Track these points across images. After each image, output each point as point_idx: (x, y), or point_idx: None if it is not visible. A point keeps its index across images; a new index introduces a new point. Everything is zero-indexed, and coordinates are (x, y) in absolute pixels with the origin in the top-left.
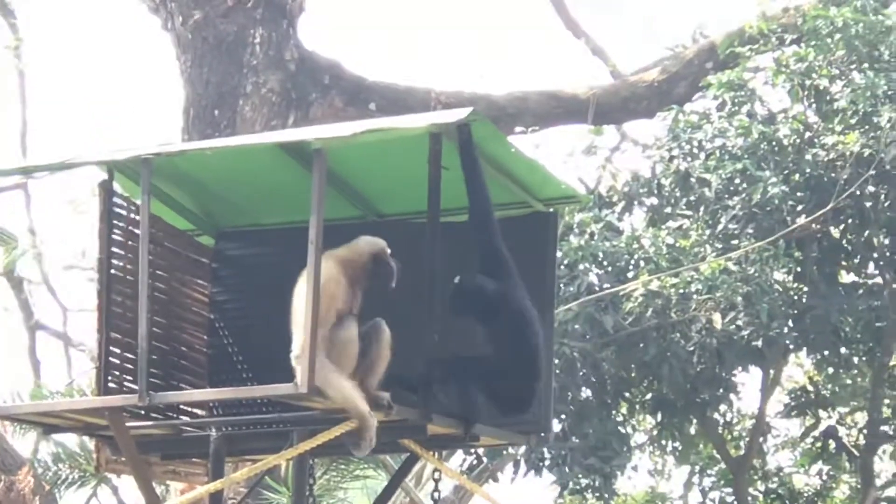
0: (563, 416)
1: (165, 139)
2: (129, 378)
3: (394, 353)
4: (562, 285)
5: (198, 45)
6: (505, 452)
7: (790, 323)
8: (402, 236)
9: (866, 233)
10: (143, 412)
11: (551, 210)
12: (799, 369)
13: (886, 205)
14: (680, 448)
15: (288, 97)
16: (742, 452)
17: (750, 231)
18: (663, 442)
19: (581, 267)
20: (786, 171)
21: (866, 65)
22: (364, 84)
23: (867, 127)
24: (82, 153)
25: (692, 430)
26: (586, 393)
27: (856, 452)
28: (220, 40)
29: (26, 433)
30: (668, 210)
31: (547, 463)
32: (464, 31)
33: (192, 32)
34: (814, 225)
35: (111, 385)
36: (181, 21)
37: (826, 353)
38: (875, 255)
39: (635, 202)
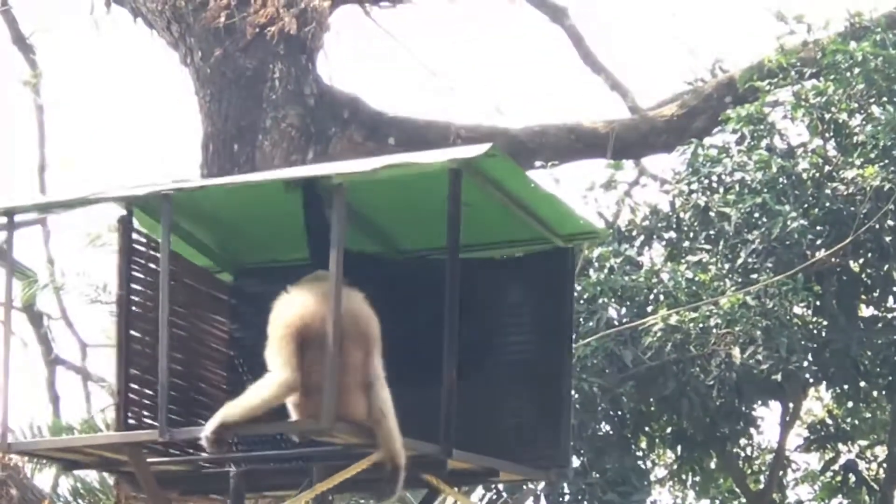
0: (582, 451)
1: (184, 174)
2: (148, 414)
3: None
4: (581, 320)
5: (217, 79)
6: (525, 487)
7: (809, 357)
8: (421, 272)
9: (886, 266)
10: (162, 448)
11: (570, 245)
12: (818, 403)
13: None
14: (700, 482)
15: (307, 132)
16: (762, 486)
17: (769, 265)
18: (683, 476)
19: (600, 301)
20: (805, 205)
21: (885, 99)
22: (383, 118)
23: (887, 161)
24: (101, 189)
25: (712, 465)
26: (606, 428)
27: (875, 486)
28: (240, 75)
29: (46, 468)
30: (688, 244)
31: (566, 498)
32: (483, 65)
33: (211, 67)
34: (833, 259)
35: (131, 421)
36: (200, 56)
37: (846, 386)
38: (895, 288)
39: (654, 236)
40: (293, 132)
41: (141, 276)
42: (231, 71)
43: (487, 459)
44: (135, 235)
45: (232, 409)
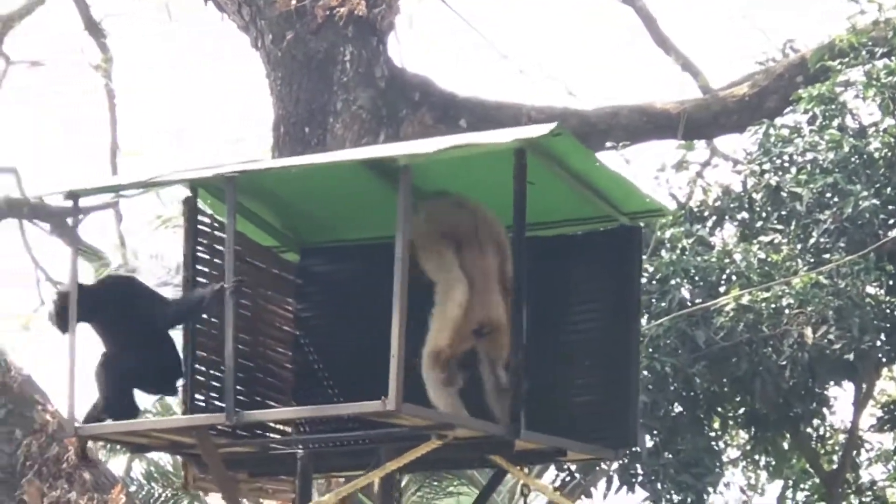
0: (655, 432)
1: (256, 156)
2: (215, 396)
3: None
4: (653, 300)
5: (288, 62)
6: (598, 468)
7: (882, 336)
8: None
9: None
10: (230, 430)
11: (636, 224)
12: (892, 383)
13: None
14: (773, 463)
15: (378, 114)
16: (835, 467)
17: (841, 245)
18: (756, 457)
19: (672, 282)
20: (877, 185)
21: None
22: (454, 100)
23: None
24: (169, 171)
25: (785, 445)
26: (678, 408)
27: None
28: (310, 58)
29: (118, 453)
30: (760, 224)
31: (640, 479)
32: (555, 47)
33: (282, 51)
34: None
35: (198, 403)
36: (271, 39)
37: None
38: None
39: (726, 217)
40: (364, 115)
41: (207, 257)
42: (302, 54)
43: (555, 439)
44: (200, 217)
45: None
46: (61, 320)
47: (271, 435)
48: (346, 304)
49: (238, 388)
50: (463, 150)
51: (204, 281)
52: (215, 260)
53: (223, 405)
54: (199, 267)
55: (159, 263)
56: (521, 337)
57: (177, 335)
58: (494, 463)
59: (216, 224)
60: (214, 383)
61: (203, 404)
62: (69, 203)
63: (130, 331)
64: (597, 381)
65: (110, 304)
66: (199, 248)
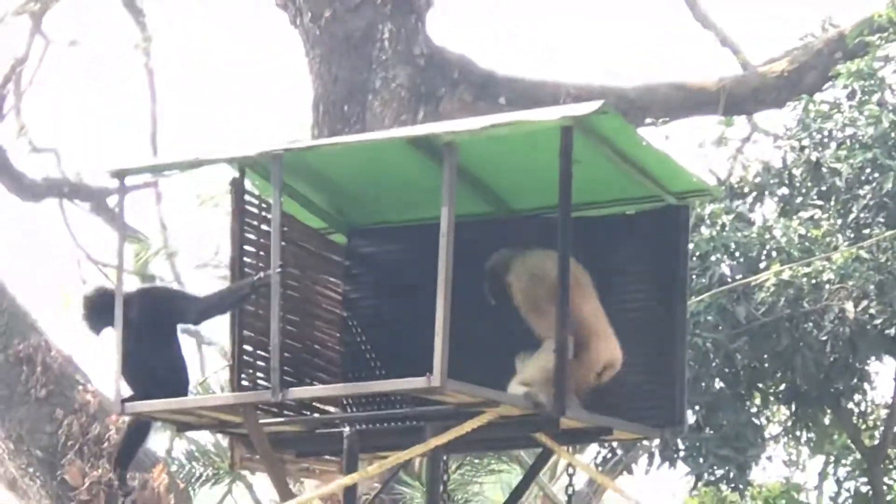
0: (696, 408)
1: (295, 136)
2: (261, 375)
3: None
4: (694, 276)
5: (326, 40)
6: (639, 445)
7: None
8: (533, 231)
9: None
10: (276, 409)
11: (683, 203)
12: None
13: None
14: (814, 438)
15: (417, 92)
16: (877, 442)
17: (881, 219)
18: (797, 433)
19: (713, 258)
20: None
21: None
22: (493, 78)
23: None
24: (212, 151)
25: (826, 421)
26: (719, 384)
27: None
28: (349, 36)
29: (161, 431)
30: (800, 200)
31: (681, 454)
32: (593, 23)
33: (320, 28)
34: None
35: (244, 382)
36: (310, 17)
37: None
38: None
39: (766, 192)
40: (403, 92)
41: (253, 237)
42: (341, 32)
43: (600, 418)
44: (247, 197)
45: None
46: (91, 322)
47: (317, 414)
48: (393, 285)
49: (285, 368)
50: (509, 127)
51: (250, 261)
52: (262, 240)
53: (269, 384)
54: (245, 247)
55: (199, 245)
56: (566, 316)
57: (223, 315)
58: (539, 442)
59: (263, 204)
60: (261, 363)
61: (249, 383)
62: (112, 182)
63: (146, 338)
64: (643, 361)
65: (132, 312)
66: (246, 228)
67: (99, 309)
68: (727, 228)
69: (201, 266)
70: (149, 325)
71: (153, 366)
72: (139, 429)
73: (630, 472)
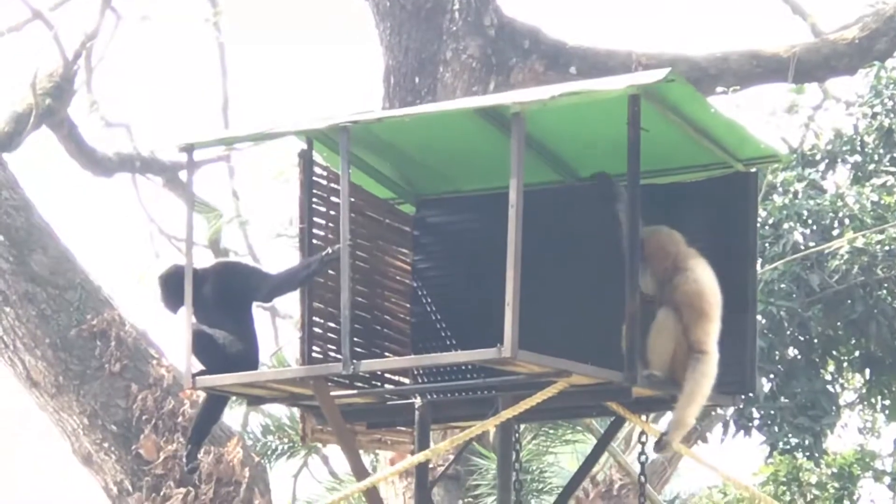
0: (771, 376)
1: (366, 108)
2: (332, 347)
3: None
4: (767, 245)
5: (396, 12)
6: (713, 413)
7: None
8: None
9: None
10: (347, 381)
11: (752, 170)
12: None
13: None
14: (889, 405)
15: (488, 63)
16: None
17: None
18: (872, 400)
19: (786, 226)
20: None
21: None
22: (564, 48)
23: None
24: (280, 123)
25: None
26: (794, 352)
27: None
28: (419, 7)
29: (236, 406)
30: (872, 167)
31: (756, 423)
32: None
33: (390, 0)
34: None
35: (315, 354)
36: None
37: None
38: None
39: (838, 160)
40: (474, 63)
41: (322, 209)
42: (411, 3)
43: (671, 386)
44: (316, 169)
45: (688, 412)
46: (167, 301)
47: (388, 386)
48: (463, 255)
49: (356, 339)
50: (577, 96)
51: (319, 233)
52: (331, 212)
53: (340, 356)
54: (315, 219)
55: (271, 217)
56: (636, 285)
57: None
58: (612, 410)
59: (331, 176)
60: (332, 335)
61: (320, 355)
62: (183, 156)
63: (218, 312)
64: None
65: (206, 287)
66: (315, 200)
67: (174, 287)
68: (800, 196)
69: (276, 237)
70: (222, 300)
71: (224, 341)
72: (213, 405)
73: (705, 440)
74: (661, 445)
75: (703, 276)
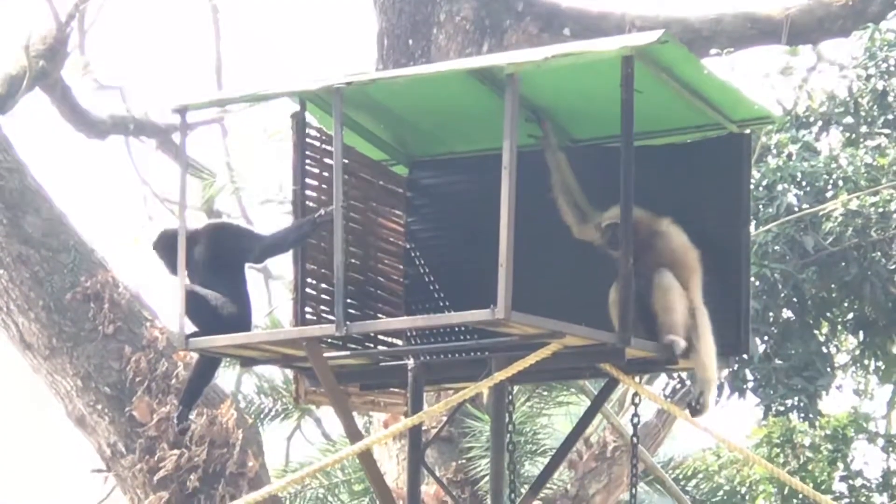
0: (765, 338)
1: (359, 70)
2: (325, 308)
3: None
4: (761, 206)
5: None
6: None
7: None
8: (595, 161)
9: None
10: (340, 342)
11: (745, 131)
12: None
13: None
14: (883, 367)
15: (482, 25)
16: None
17: None
18: (866, 362)
19: (780, 188)
20: None
21: None
22: (558, 10)
23: None
24: (273, 85)
25: (895, 350)
26: (788, 314)
27: None
28: None
29: (229, 368)
30: (866, 129)
31: (750, 385)
32: None
33: None
34: None
35: (308, 316)
36: None
37: None
38: None
39: (832, 122)
40: (467, 25)
41: (315, 170)
42: None
43: (664, 347)
44: (308, 130)
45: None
46: (167, 262)
47: (382, 347)
48: (456, 216)
49: (349, 300)
50: (570, 58)
51: (313, 195)
52: (324, 174)
53: (333, 318)
54: (308, 181)
55: (265, 179)
56: (630, 245)
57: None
58: (605, 372)
59: (324, 137)
60: (325, 296)
61: (313, 316)
62: (177, 118)
63: (211, 274)
64: (706, 290)
65: (198, 248)
66: (308, 161)
67: (168, 252)
68: (793, 158)
69: (264, 202)
70: (214, 261)
71: (216, 302)
72: (206, 367)
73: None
74: (698, 409)
75: (681, 232)
